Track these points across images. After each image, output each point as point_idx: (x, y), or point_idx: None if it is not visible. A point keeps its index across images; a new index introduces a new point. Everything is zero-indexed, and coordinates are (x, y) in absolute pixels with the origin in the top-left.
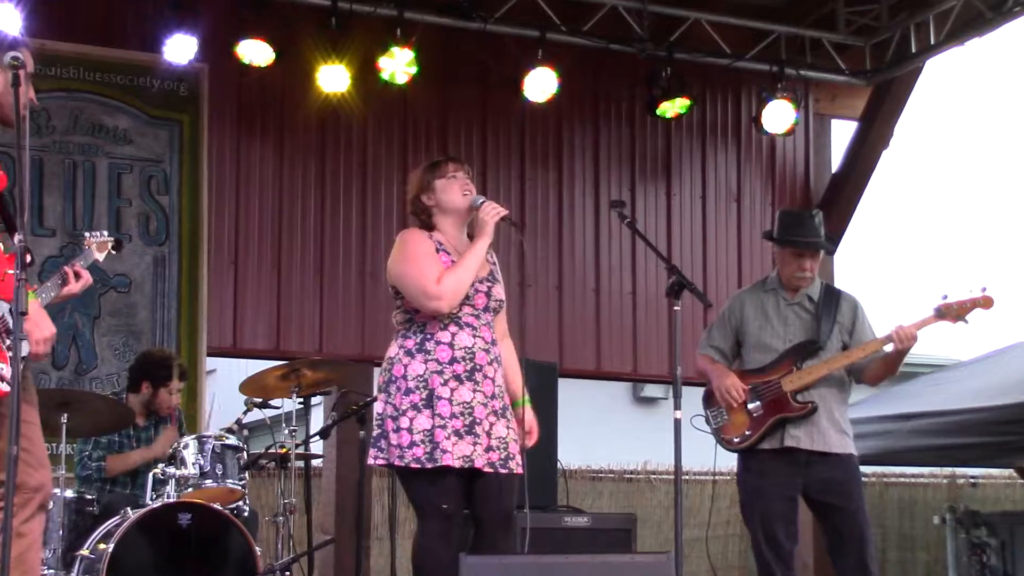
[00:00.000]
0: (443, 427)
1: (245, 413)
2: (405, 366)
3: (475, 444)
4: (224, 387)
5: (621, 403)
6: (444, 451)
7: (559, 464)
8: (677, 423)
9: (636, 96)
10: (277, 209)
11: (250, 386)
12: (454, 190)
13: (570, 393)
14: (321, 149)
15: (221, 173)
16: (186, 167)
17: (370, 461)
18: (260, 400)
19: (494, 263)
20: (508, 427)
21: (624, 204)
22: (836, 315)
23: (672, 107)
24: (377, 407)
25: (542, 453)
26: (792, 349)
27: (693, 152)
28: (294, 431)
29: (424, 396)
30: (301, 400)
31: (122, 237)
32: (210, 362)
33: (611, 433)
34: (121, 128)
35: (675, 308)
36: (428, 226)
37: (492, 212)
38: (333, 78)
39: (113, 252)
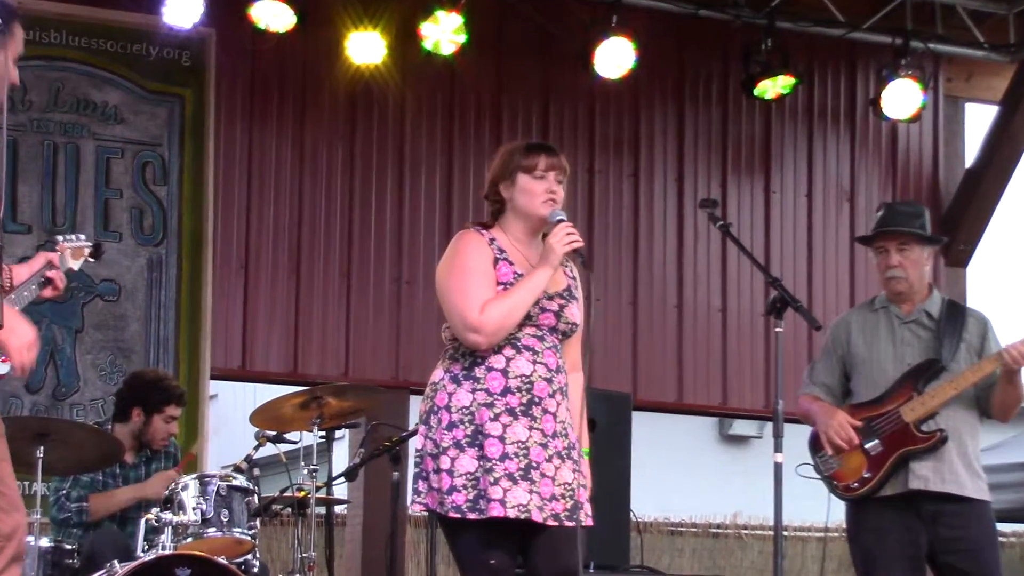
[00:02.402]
0: (490, 471)
1: (256, 448)
2: (450, 395)
3: (532, 492)
4: (228, 416)
5: (706, 442)
6: (491, 500)
7: (632, 515)
8: (778, 468)
9: (730, 72)
10: (296, 204)
11: (263, 416)
12: (536, 194)
13: (646, 429)
14: (350, 132)
15: (230, 159)
16: (188, 152)
17: (409, 505)
18: (274, 433)
19: (573, 277)
20: (575, 470)
21: (716, 203)
22: (962, 332)
23: (773, 86)
24: (417, 442)
25: (612, 502)
26: (910, 372)
27: (798, 141)
28: (315, 471)
29: (469, 433)
30: (323, 434)
31: (109, 237)
32: (211, 386)
33: (694, 478)
34: (111, 104)
35: (776, 330)
36: (495, 218)
37: (564, 240)
38: (365, 47)
39: (91, 260)
